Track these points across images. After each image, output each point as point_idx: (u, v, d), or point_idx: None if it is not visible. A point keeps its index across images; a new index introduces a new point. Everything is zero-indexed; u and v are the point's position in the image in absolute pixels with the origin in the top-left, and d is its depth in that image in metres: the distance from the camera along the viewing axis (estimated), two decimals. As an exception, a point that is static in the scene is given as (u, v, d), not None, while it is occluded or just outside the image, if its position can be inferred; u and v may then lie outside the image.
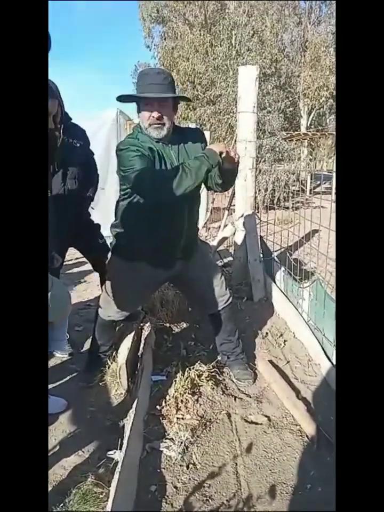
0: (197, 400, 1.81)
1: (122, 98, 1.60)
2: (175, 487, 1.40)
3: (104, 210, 3.12)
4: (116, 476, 1.24)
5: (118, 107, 4.98)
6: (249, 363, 2.08)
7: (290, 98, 13.88)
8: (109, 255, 1.88)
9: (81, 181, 2.18)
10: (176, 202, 1.54)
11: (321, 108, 16.33)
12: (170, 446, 1.55)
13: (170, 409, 1.74)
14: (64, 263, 2.49)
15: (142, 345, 2.18)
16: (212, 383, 1.90)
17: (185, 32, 14.08)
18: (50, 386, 1.95)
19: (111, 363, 2.04)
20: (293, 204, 6.62)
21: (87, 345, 2.29)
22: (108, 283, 1.86)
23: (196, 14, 14.65)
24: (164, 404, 1.78)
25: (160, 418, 1.71)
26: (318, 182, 11.68)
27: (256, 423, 1.72)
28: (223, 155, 1.46)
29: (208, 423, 1.70)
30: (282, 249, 3.30)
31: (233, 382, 2.00)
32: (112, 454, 1.47)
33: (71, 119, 2.12)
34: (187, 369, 1.90)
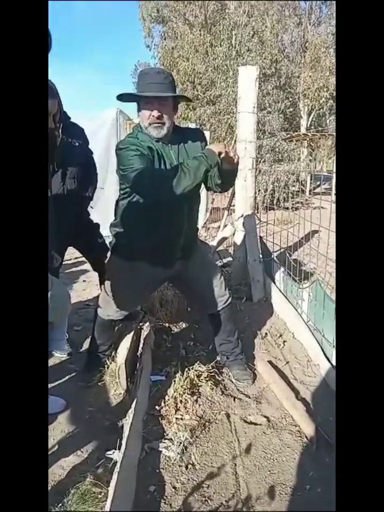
0: (196, 401, 1.80)
1: (122, 97, 1.60)
2: (174, 488, 1.40)
3: (103, 210, 3.12)
4: (115, 476, 1.24)
5: (118, 107, 4.99)
6: (248, 363, 2.08)
7: (290, 99, 13.91)
8: (108, 254, 1.88)
9: (80, 180, 2.18)
10: (175, 201, 1.54)
11: (321, 108, 16.35)
12: (169, 446, 1.55)
13: (170, 410, 1.74)
14: (63, 263, 2.49)
15: (141, 345, 2.18)
16: (211, 384, 1.90)
17: (185, 32, 14.08)
18: (49, 386, 1.95)
19: (110, 363, 2.04)
20: (292, 204, 6.63)
21: (86, 345, 2.29)
22: (107, 282, 1.86)
23: (196, 14, 14.66)
24: (163, 404, 1.77)
25: (159, 418, 1.71)
26: (318, 183, 11.68)
27: (255, 424, 1.72)
28: (222, 155, 1.46)
29: (207, 423, 1.70)
30: (281, 250, 3.30)
31: (232, 382, 2.00)
32: (111, 454, 1.47)
33: (70, 118, 2.12)
34: (186, 369, 1.90)
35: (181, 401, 1.77)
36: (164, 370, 2.06)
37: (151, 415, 1.73)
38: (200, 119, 12.50)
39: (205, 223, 5.71)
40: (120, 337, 2.16)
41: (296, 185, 8.06)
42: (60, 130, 1.90)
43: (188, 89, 13.61)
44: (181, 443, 1.56)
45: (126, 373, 1.88)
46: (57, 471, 1.46)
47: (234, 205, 3.10)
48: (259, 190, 6.84)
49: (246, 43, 12.70)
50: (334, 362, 1.95)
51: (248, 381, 1.98)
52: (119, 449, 1.39)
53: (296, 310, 2.50)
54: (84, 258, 2.63)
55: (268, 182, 7.23)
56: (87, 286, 3.53)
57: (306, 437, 1.62)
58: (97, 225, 2.43)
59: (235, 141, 3.09)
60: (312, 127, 16.41)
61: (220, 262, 3.72)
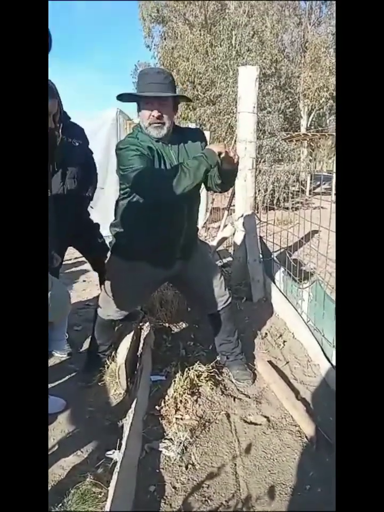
0: (196, 401, 1.80)
1: (122, 97, 1.59)
2: (174, 488, 1.40)
3: (103, 210, 3.12)
4: (115, 476, 1.24)
5: (118, 107, 4.99)
6: (248, 363, 2.08)
7: (290, 99, 13.91)
8: (108, 254, 1.88)
9: (80, 180, 2.18)
10: (175, 201, 1.54)
11: (321, 108, 16.35)
12: (169, 446, 1.55)
13: (170, 410, 1.74)
14: (63, 263, 2.49)
15: (141, 345, 2.18)
16: (211, 384, 1.90)
17: (185, 32, 14.08)
18: (49, 386, 1.95)
19: (110, 363, 2.04)
20: (292, 204, 6.63)
21: (86, 345, 2.29)
22: (107, 282, 1.86)
23: (196, 14, 14.66)
24: (163, 404, 1.77)
25: (159, 418, 1.71)
26: (318, 183, 11.68)
27: (255, 424, 1.72)
28: (222, 155, 1.46)
29: (207, 423, 1.70)
30: (281, 250, 3.30)
31: (232, 382, 2.00)
32: (111, 454, 1.47)
33: (69, 118, 2.12)
34: (186, 369, 1.90)
35: (181, 401, 1.77)
36: (164, 370, 2.06)
37: (151, 415, 1.73)
38: (200, 119, 12.50)
39: (205, 223, 5.71)
40: (120, 337, 2.16)
41: (296, 185, 8.06)
42: (60, 130, 1.90)
43: (188, 89, 13.61)
44: (181, 443, 1.56)
45: (126, 373, 1.88)
46: (57, 471, 1.46)
47: (234, 205, 3.10)
48: (259, 190, 6.84)
49: (246, 43, 12.70)
50: (334, 362, 1.95)
51: (248, 381, 1.98)
52: (119, 449, 1.39)
53: (296, 310, 2.50)
54: (83, 258, 2.63)
55: (268, 182, 7.23)
56: (87, 286, 3.53)
57: (306, 437, 1.62)
58: (97, 225, 2.44)
59: (235, 141, 3.09)
60: (312, 127, 16.41)
61: (220, 262, 3.72)
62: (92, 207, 2.45)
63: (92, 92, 50.27)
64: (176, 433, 1.60)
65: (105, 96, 42.97)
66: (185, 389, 1.80)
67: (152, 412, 1.74)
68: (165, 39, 15.67)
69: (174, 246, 1.73)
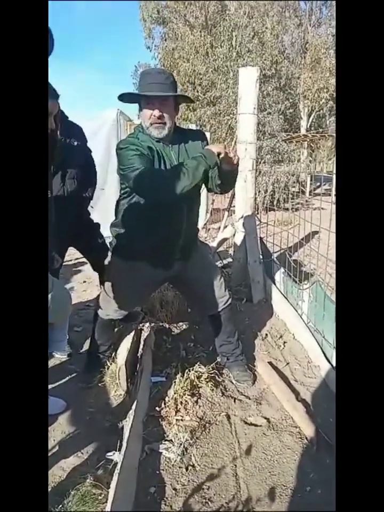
0: (196, 402, 1.80)
1: (123, 97, 1.60)
2: (174, 489, 1.40)
3: (103, 210, 3.13)
4: (115, 478, 1.24)
5: (119, 107, 4.99)
6: (248, 364, 2.07)
7: (290, 100, 13.90)
8: (109, 255, 1.88)
9: (80, 180, 2.18)
10: (174, 202, 1.54)
11: (321, 109, 16.36)
12: (170, 447, 1.55)
13: (170, 411, 1.73)
14: (64, 263, 2.49)
15: (141, 346, 2.18)
16: (212, 385, 1.90)
17: (185, 33, 14.10)
18: (49, 387, 1.95)
19: (111, 364, 2.04)
20: (292, 205, 6.63)
21: (86, 346, 2.28)
22: (107, 283, 1.86)
23: (196, 15, 14.68)
24: (163, 405, 1.77)
25: (160, 419, 1.71)
26: (318, 184, 11.68)
27: (256, 425, 1.71)
28: (221, 156, 1.46)
29: (207, 424, 1.70)
30: (282, 251, 3.30)
31: (232, 383, 2.00)
32: (111, 456, 1.47)
33: (67, 117, 2.11)
34: (186, 370, 1.89)
35: (181, 402, 1.76)
36: (164, 372, 2.06)
37: (151, 416, 1.73)
38: (200, 120, 12.50)
39: (205, 224, 5.72)
40: (120, 338, 2.16)
41: (296, 186, 8.06)
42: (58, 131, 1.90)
43: (188, 90, 13.61)
44: (181, 444, 1.56)
45: (126, 374, 1.88)
46: (58, 472, 1.46)
47: (234, 206, 3.10)
48: (259, 191, 6.85)
49: (246, 44, 12.70)
50: (334, 364, 1.95)
51: (249, 382, 1.98)
52: (119, 450, 1.39)
53: (297, 311, 2.50)
54: (84, 259, 2.63)
55: (268, 183, 7.23)
56: (87, 287, 3.53)
57: (306, 438, 1.61)
58: (98, 225, 2.44)
59: (235, 142, 3.10)
60: (312, 128, 16.41)
61: (220, 263, 3.72)
62: (92, 207, 2.45)
63: (92, 92, 50.30)
64: (177, 434, 1.60)
65: (105, 96, 43.06)
66: (185, 390, 1.80)
67: (152, 413, 1.74)
68: (165, 40, 15.68)
69: (173, 247, 1.73)
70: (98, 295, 2.02)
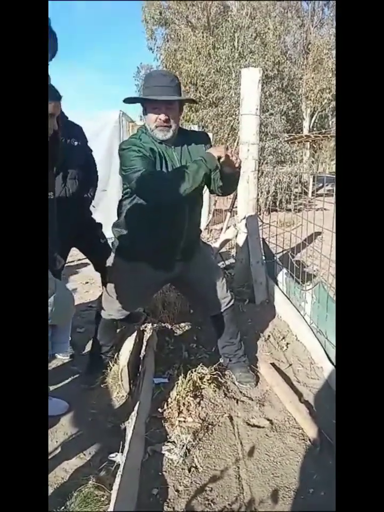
0: (199, 403, 1.80)
1: (129, 101, 1.60)
2: (177, 491, 1.39)
3: (106, 211, 3.14)
4: (118, 479, 1.24)
5: (121, 109, 5.00)
6: (251, 366, 2.07)
7: (292, 101, 13.86)
8: (112, 255, 1.88)
9: (81, 180, 2.18)
10: (175, 203, 1.54)
11: (324, 110, 16.33)
12: (172, 449, 1.55)
13: (172, 412, 1.73)
14: (66, 265, 2.49)
15: (143, 347, 2.17)
16: (214, 386, 1.89)
17: (188, 34, 14.10)
18: (51, 388, 1.95)
19: (113, 365, 2.04)
20: (295, 206, 6.63)
21: (88, 347, 2.28)
22: (109, 283, 1.87)
23: (198, 16, 14.69)
24: (165, 406, 1.77)
25: (162, 421, 1.71)
26: (321, 184, 11.65)
27: (258, 427, 1.71)
28: (222, 159, 1.46)
29: (210, 426, 1.70)
30: (284, 252, 3.29)
31: (235, 384, 2.00)
32: (113, 457, 1.46)
33: (67, 117, 2.11)
34: (189, 371, 1.89)
35: (183, 403, 1.76)
36: (167, 373, 2.05)
37: (154, 418, 1.72)
38: (202, 121, 12.50)
39: (208, 225, 5.71)
40: (123, 339, 2.16)
41: (299, 187, 8.05)
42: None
43: (191, 91, 13.62)
44: (183, 446, 1.55)
45: (128, 375, 1.88)
46: (60, 474, 1.46)
47: (236, 207, 3.09)
48: (261, 192, 6.85)
49: (248, 45, 12.69)
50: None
51: (251, 384, 1.97)
52: (122, 452, 1.39)
53: (299, 312, 2.49)
54: (86, 260, 2.63)
55: (270, 184, 7.23)
56: (89, 288, 3.53)
57: (309, 439, 1.61)
58: (100, 225, 2.44)
59: (237, 143, 3.09)
60: (315, 129, 16.38)
61: (223, 264, 3.71)
62: (94, 207, 2.46)
63: (92, 92, 50.40)
64: (179, 436, 1.60)
65: (106, 96, 43.17)
66: (188, 392, 1.80)
67: (154, 415, 1.74)
68: (167, 41, 15.70)
69: (174, 248, 1.73)
70: (101, 296, 2.02)
